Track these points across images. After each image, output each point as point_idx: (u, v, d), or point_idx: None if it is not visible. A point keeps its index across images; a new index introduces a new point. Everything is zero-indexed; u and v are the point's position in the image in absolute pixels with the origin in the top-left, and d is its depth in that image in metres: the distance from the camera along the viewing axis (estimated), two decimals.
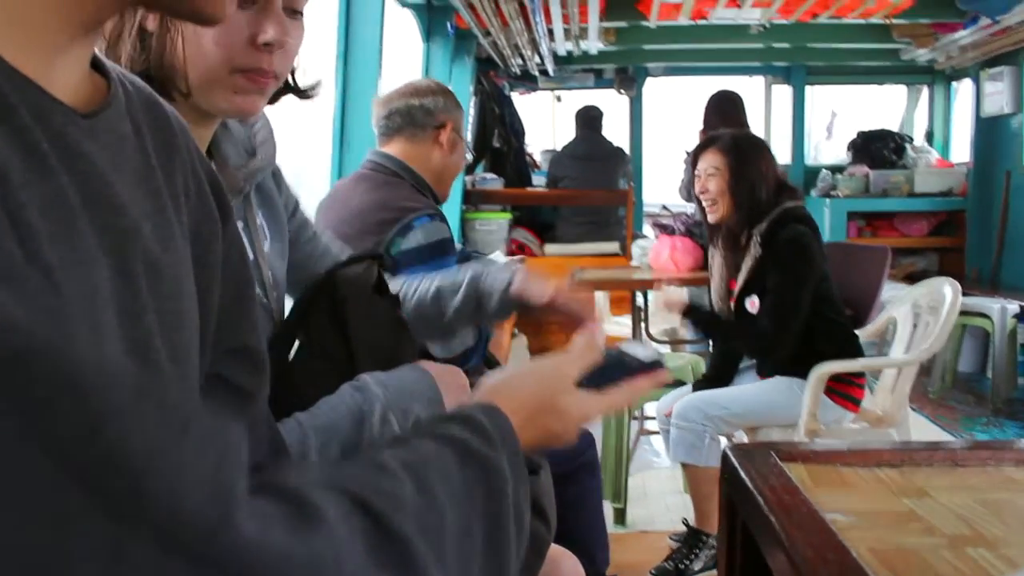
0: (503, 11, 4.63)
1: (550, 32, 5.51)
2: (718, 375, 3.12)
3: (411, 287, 1.65)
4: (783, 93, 7.79)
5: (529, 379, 0.90)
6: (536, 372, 0.92)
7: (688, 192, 4.32)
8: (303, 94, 1.26)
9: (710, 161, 2.97)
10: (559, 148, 7.08)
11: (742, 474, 1.04)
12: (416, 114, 2.33)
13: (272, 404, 0.90)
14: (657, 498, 3.75)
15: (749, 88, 7.71)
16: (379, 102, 2.42)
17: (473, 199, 6.37)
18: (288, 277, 1.31)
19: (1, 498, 0.43)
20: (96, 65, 0.71)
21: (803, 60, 7.31)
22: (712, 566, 2.88)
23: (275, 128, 1.34)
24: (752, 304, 2.91)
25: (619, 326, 5.06)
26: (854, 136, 7.51)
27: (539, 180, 7.02)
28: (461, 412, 0.81)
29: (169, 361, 0.71)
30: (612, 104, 7.46)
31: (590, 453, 2.23)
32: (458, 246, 3.38)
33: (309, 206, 2.75)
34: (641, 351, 0.97)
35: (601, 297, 5.36)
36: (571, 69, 7.30)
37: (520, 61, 6.38)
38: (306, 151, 3.78)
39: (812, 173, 7.51)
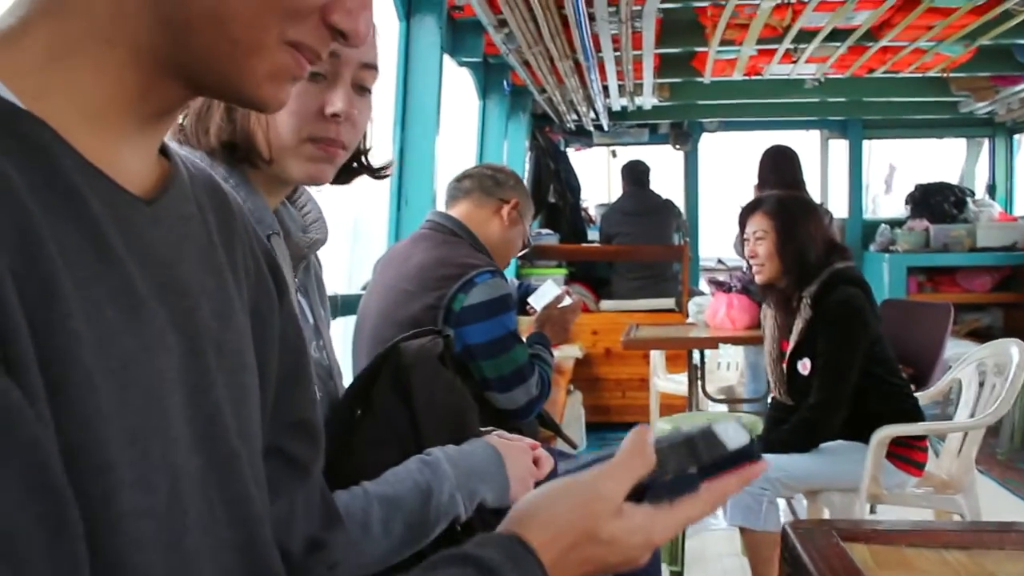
0: (558, 69, 4.70)
1: (605, 88, 5.57)
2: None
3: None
4: (840, 147, 7.75)
5: (564, 505, 0.76)
6: (572, 495, 0.77)
7: (742, 247, 4.31)
8: (375, 173, 1.34)
9: (758, 224, 2.97)
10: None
11: (803, 555, 1.02)
12: (486, 182, 2.43)
13: (332, 470, 0.92)
14: (715, 561, 3.69)
15: (805, 141, 7.70)
16: (457, 175, 2.52)
17: (529, 255, 6.40)
18: None
19: None
20: (162, 149, 0.74)
21: (859, 114, 7.28)
22: None
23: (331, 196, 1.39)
24: (804, 366, 2.90)
25: (675, 384, 5.02)
26: (912, 189, 7.42)
27: (594, 235, 7.05)
28: (481, 558, 0.72)
29: (237, 437, 0.73)
30: (667, 159, 7.49)
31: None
32: (514, 282, 3.41)
33: (367, 264, 2.80)
34: (728, 431, 0.78)
35: (657, 355, 5.34)
36: (626, 124, 7.36)
37: (575, 117, 6.45)
38: (365, 209, 3.84)
39: (871, 227, 7.43)
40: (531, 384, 2.26)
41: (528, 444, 1.32)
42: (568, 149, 7.60)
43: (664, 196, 6.75)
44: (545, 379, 2.34)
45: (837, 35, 4.50)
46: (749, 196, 4.52)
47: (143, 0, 0.64)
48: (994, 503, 4.35)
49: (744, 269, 4.39)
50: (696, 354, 4.41)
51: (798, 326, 2.90)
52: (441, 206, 2.59)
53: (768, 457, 2.64)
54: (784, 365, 2.99)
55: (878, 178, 8.27)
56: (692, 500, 0.77)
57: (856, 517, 2.73)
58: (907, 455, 2.88)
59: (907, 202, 7.42)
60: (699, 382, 4.45)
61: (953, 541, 1.10)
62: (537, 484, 1.27)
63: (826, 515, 2.89)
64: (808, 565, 0.99)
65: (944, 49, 4.88)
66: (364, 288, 2.58)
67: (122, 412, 0.59)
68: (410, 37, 3.54)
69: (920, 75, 5.62)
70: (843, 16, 4.10)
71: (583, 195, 7.42)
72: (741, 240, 3.11)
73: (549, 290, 2.77)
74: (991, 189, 7.73)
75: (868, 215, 7.71)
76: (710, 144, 7.84)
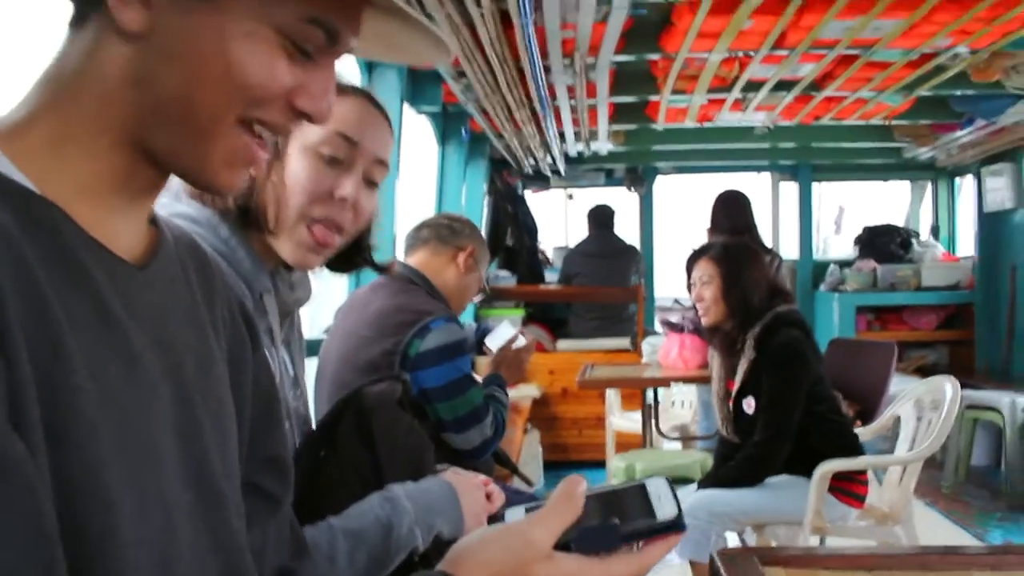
0: (515, 117, 4.80)
1: (561, 135, 5.69)
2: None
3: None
4: (790, 189, 7.92)
5: (497, 548, 0.81)
6: (505, 539, 0.82)
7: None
8: (378, 268, 1.47)
9: (704, 270, 3.11)
10: (571, 245, 7.22)
11: None
12: (443, 231, 2.55)
13: (300, 506, 1.01)
14: None
15: (757, 184, 7.87)
16: (415, 225, 2.63)
17: (487, 297, 6.48)
18: None
19: None
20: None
21: (808, 158, 7.48)
22: None
23: None
24: (749, 405, 3.02)
25: (630, 422, 5.13)
26: (861, 231, 7.62)
27: (551, 277, 7.14)
28: None
29: (222, 476, 0.83)
30: (622, 201, 7.63)
31: None
32: (471, 325, 3.50)
33: (329, 308, 2.89)
34: (660, 494, 0.80)
35: (612, 394, 5.44)
36: (582, 168, 7.48)
37: (532, 161, 6.54)
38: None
39: (821, 268, 7.61)
40: (486, 425, 2.35)
41: (481, 480, 1.42)
42: (525, 192, 7.72)
43: (627, 242, 6.89)
44: (500, 419, 2.43)
45: (784, 85, 4.66)
46: (703, 238, 4.68)
47: (125, 92, 0.74)
48: (939, 533, 4.50)
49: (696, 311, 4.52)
50: (650, 393, 4.52)
51: (743, 366, 3.03)
52: (400, 253, 2.69)
53: (716, 492, 2.75)
54: (730, 403, 3.11)
55: (828, 219, 8.46)
56: (626, 559, 0.80)
57: None
58: (849, 488, 3.00)
59: (856, 243, 7.62)
60: (653, 420, 4.55)
61: (866, 564, 1.21)
62: (490, 518, 1.37)
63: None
64: None
65: (885, 99, 5.08)
66: (326, 332, 2.66)
67: (122, 456, 0.69)
68: (371, 88, 3.64)
69: (864, 122, 5.81)
70: (788, 68, 4.26)
71: (540, 237, 7.54)
72: (688, 285, 3.24)
73: (504, 331, 2.88)
74: (935, 230, 7.95)
75: (818, 256, 7.88)
76: (664, 187, 8.00)
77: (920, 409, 3.25)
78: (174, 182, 0.82)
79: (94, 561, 0.64)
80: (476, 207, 6.23)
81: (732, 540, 3.17)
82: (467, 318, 5.63)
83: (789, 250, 7.67)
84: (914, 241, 7.51)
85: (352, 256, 1.39)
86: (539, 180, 7.49)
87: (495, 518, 1.33)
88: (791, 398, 2.93)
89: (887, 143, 6.71)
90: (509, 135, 5.36)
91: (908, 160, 7.14)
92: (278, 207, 1.24)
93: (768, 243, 5.49)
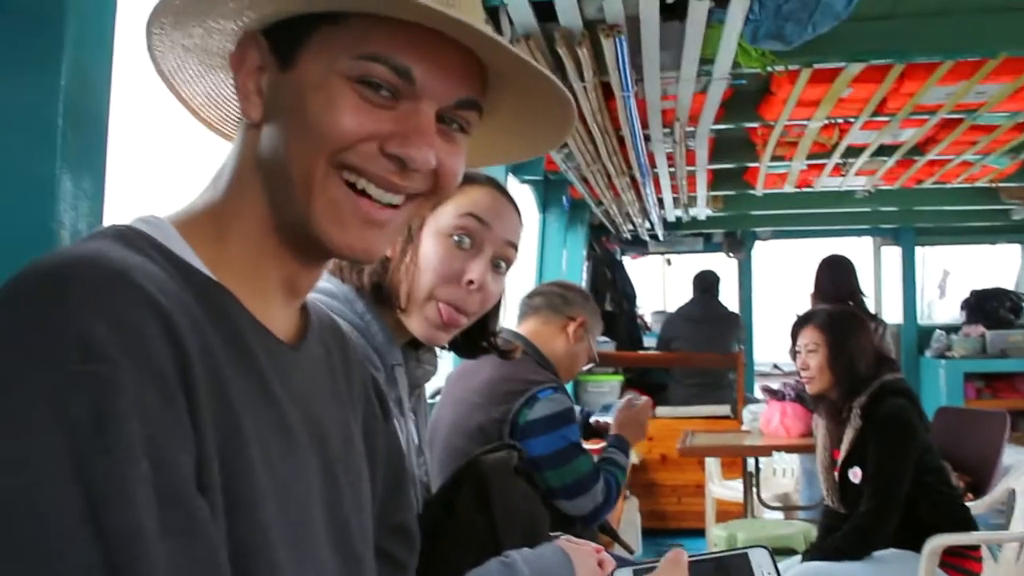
0: (615, 184, 4.86)
1: (660, 201, 5.73)
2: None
3: None
4: (893, 253, 7.79)
5: None
6: None
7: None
8: (503, 354, 1.53)
9: (809, 337, 3.09)
10: (670, 310, 7.21)
11: None
12: (555, 300, 2.61)
13: (421, 571, 1.08)
14: None
15: (858, 248, 7.77)
16: (529, 291, 2.69)
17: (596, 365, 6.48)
18: None
19: None
20: None
21: (911, 222, 7.35)
22: None
23: None
24: (855, 475, 2.97)
25: (731, 490, 5.06)
26: (968, 295, 7.42)
27: (650, 342, 7.13)
28: None
29: (360, 540, 0.89)
30: (721, 266, 7.62)
31: None
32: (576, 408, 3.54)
33: (440, 374, 2.96)
34: (761, 564, 0.85)
35: (712, 462, 5.38)
36: (680, 233, 7.50)
37: (631, 227, 6.60)
38: None
39: (926, 333, 7.42)
40: (596, 492, 2.39)
41: (593, 548, 1.45)
42: (624, 257, 7.76)
43: (729, 308, 6.85)
44: (612, 485, 2.46)
45: (884, 150, 4.62)
46: (805, 303, 4.64)
47: (255, 174, 0.83)
48: None
49: (798, 378, 4.47)
50: (751, 461, 4.46)
51: (849, 436, 2.99)
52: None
53: (822, 564, 2.71)
54: (836, 473, 3.07)
55: (932, 283, 8.28)
56: None
57: None
58: (961, 564, 2.92)
59: (962, 307, 7.41)
60: (754, 489, 4.49)
61: None
62: None
63: None
64: None
65: (991, 162, 4.99)
66: (435, 395, 2.74)
67: (284, 521, 0.76)
68: None
69: (969, 185, 5.70)
70: (889, 134, 4.25)
71: (639, 302, 7.55)
72: (793, 352, 3.23)
73: (616, 405, 2.92)
74: None
75: (923, 321, 7.69)
76: (763, 251, 7.96)
77: None
78: None
79: None
80: (576, 273, 6.30)
81: None
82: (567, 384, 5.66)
83: (892, 315, 7.51)
84: None
85: (477, 339, 1.45)
86: (638, 245, 7.53)
87: None
88: (899, 468, 2.88)
89: (994, 205, 6.53)
90: (608, 202, 5.43)
91: (1017, 223, 6.94)
92: (410, 286, 1.31)
93: (871, 308, 5.40)
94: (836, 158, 4.72)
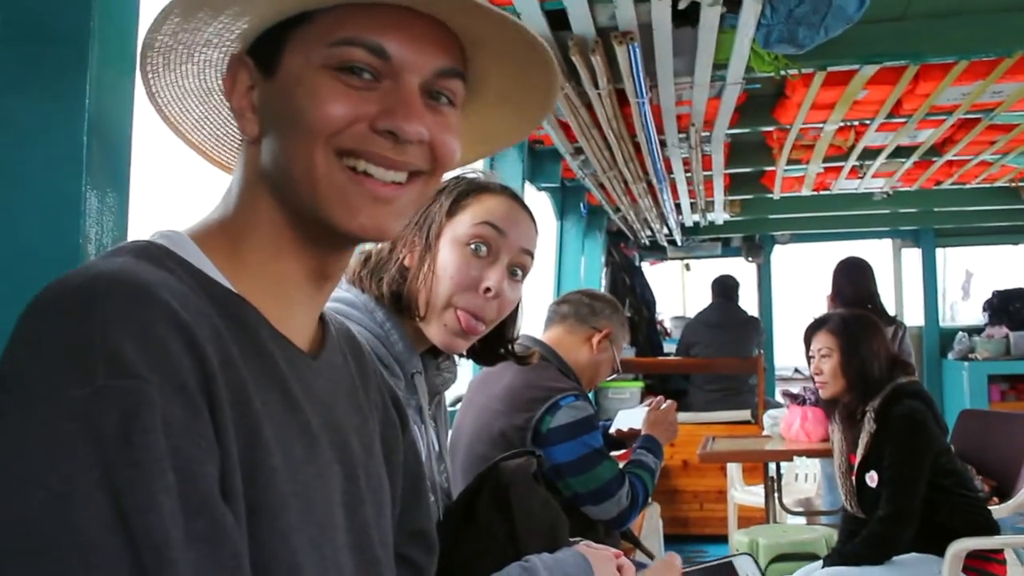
0: (632, 190, 4.87)
1: (677, 206, 5.74)
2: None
3: None
4: (913, 255, 7.75)
5: None
6: None
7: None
8: (520, 360, 1.55)
9: (822, 342, 3.09)
10: (689, 315, 7.20)
11: None
12: (582, 309, 2.62)
13: (441, 574, 1.09)
14: None
15: (878, 250, 7.74)
16: (558, 297, 2.71)
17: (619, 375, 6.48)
18: None
19: None
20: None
21: (931, 223, 7.31)
22: None
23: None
24: (872, 479, 2.96)
25: (753, 496, 5.04)
26: (990, 296, 7.35)
27: (670, 347, 7.12)
28: None
29: (379, 544, 0.91)
30: (740, 271, 7.60)
31: None
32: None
33: (461, 381, 2.97)
34: (746, 569, 0.88)
35: (734, 467, 5.37)
36: (699, 239, 7.49)
37: (649, 233, 6.59)
38: None
39: (948, 335, 7.37)
40: (620, 496, 2.40)
41: (612, 552, 1.46)
42: (643, 263, 7.76)
43: (749, 313, 6.83)
44: (639, 489, 2.47)
45: (902, 151, 4.61)
46: (824, 307, 4.63)
47: (263, 185, 0.85)
48: None
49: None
50: (773, 466, 4.44)
51: (863, 439, 2.98)
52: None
53: (842, 570, 2.70)
54: (853, 478, 3.06)
55: (955, 285, 8.22)
56: None
57: None
58: (985, 568, 2.90)
59: (985, 309, 7.35)
60: (776, 494, 4.47)
61: None
62: None
63: None
64: None
65: (1010, 161, 4.96)
66: (454, 403, 2.75)
67: (306, 525, 0.78)
68: (494, 168, 3.79)
69: (989, 185, 5.67)
70: (905, 135, 4.23)
71: (658, 308, 7.54)
72: (807, 356, 3.22)
73: (638, 410, 2.91)
74: None
75: (945, 323, 7.64)
76: (782, 255, 7.94)
77: None
78: None
79: None
80: (594, 279, 6.30)
81: None
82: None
83: (914, 317, 7.46)
84: None
85: (495, 347, 1.47)
86: (656, 251, 7.53)
87: None
88: (914, 471, 2.87)
89: (1015, 205, 6.49)
90: (626, 208, 5.43)
91: None
92: (428, 295, 1.34)
93: (891, 311, 5.38)
94: (853, 160, 4.71)
